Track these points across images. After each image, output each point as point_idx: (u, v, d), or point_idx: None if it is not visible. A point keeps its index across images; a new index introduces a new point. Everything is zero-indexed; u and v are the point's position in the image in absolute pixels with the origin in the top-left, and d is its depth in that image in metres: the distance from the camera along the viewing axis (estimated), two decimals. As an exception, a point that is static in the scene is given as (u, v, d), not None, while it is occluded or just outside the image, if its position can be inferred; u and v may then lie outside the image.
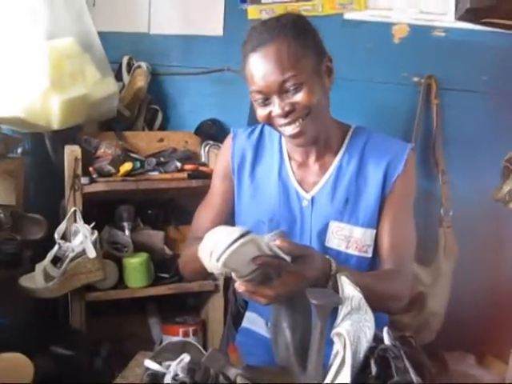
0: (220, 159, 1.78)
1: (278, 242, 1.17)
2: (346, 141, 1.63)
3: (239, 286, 1.17)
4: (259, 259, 1.13)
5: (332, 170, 1.61)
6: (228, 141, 1.75)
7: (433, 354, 2.27)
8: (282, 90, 1.42)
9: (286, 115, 1.44)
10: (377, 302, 1.18)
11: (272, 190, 1.64)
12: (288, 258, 1.17)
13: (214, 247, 1.11)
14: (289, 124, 1.45)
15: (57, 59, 2.00)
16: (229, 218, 1.73)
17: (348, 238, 1.56)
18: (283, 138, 1.67)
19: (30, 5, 2.00)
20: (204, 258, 1.15)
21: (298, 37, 1.44)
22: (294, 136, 1.48)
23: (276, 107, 1.44)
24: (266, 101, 1.45)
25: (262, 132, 1.72)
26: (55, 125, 2.02)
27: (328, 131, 1.59)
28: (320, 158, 1.62)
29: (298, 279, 1.19)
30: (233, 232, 1.12)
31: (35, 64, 1.97)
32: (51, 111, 1.98)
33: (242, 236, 1.11)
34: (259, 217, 1.63)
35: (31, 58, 1.98)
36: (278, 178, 1.64)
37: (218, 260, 1.11)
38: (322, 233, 1.58)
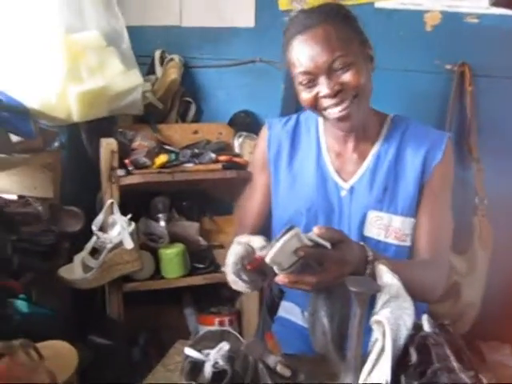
0: (256, 151, 1.79)
1: (316, 230, 1.18)
2: (384, 129, 1.63)
3: (282, 278, 1.19)
4: (301, 251, 1.15)
5: (370, 158, 1.60)
6: (263, 132, 1.75)
7: (468, 344, 2.26)
8: (330, 70, 1.42)
9: (334, 95, 1.43)
10: (413, 291, 1.17)
11: (310, 180, 1.64)
12: (328, 245, 1.18)
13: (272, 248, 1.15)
14: (336, 105, 1.45)
15: (75, 52, 2.02)
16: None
17: (387, 227, 1.56)
18: (320, 127, 1.67)
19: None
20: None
21: (343, 21, 1.45)
22: (340, 119, 1.47)
23: (324, 87, 1.43)
24: (312, 82, 1.45)
25: (297, 121, 1.72)
26: (75, 117, 2.03)
27: (367, 120, 1.59)
28: (358, 147, 1.62)
29: (340, 264, 1.20)
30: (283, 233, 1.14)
31: (52, 57, 1.99)
32: (68, 104, 2.00)
33: (286, 232, 1.13)
34: (297, 207, 1.63)
35: (49, 51, 2.00)
36: (315, 167, 1.64)
37: (266, 256, 1.14)
38: (361, 222, 1.58)
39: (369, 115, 1.60)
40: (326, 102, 1.46)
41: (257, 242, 1.34)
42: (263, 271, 1.31)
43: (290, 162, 1.69)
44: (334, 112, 1.46)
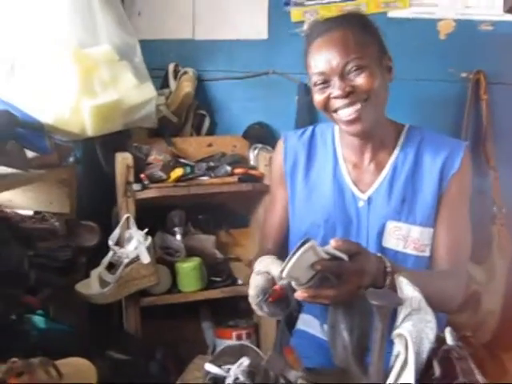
0: (273, 165, 1.80)
1: (333, 243, 1.17)
2: (401, 139, 1.62)
3: (301, 294, 1.18)
4: (318, 264, 1.14)
5: (388, 169, 1.60)
6: (279, 145, 1.75)
7: (489, 354, 2.23)
8: (343, 72, 1.44)
9: (345, 96, 1.44)
10: (432, 302, 1.16)
11: (327, 192, 1.63)
12: (345, 257, 1.17)
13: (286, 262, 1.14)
14: (347, 106, 1.46)
15: (88, 66, 2.03)
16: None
17: (405, 237, 1.55)
18: (337, 139, 1.68)
19: (62, 15, 2.03)
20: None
21: (363, 29, 1.49)
22: (350, 121, 1.48)
23: (336, 88, 1.45)
24: (325, 83, 1.47)
25: (313, 133, 1.73)
26: (89, 131, 2.03)
27: (383, 129, 1.60)
28: (375, 157, 1.61)
29: (358, 276, 1.19)
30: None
31: (65, 71, 2.00)
32: (82, 118, 2.01)
33: (301, 245, 1.12)
34: (314, 219, 1.63)
35: (62, 66, 2.01)
36: (332, 179, 1.64)
37: (282, 271, 1.13)
38: (379, 233, 1.57)
39: (385, 125, 1.61)
40: (337, 103, 1.48)
41: (275, 269, 1.34)
42: (286, 298, 1.30)
43: (306, 173, 1.69)
44: (345, 114, 1.47)
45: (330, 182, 1.64)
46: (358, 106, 1.46)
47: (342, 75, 1.45)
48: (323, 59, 1.46)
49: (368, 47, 1.47)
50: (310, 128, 1.75)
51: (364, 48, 1.45)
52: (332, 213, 1.61)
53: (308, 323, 1.79)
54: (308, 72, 1.54)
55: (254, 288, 1.33)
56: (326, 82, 1.48)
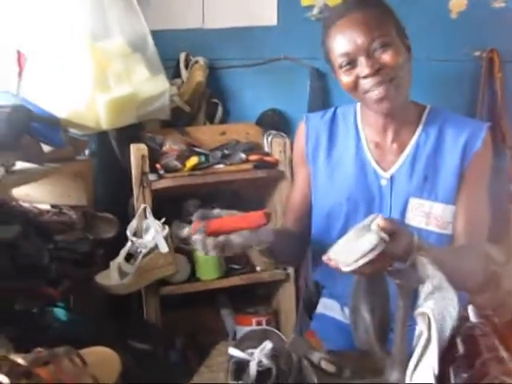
0: (295, 146, 1.79)
1: (381, 223, 1.16)
2: (423, 119, 1.62)
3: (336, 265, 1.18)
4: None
5: (410, 148, 1.60)
6: (301, 126, 1.75)
7: (511, 334, 2.22)
8: (370, 50, 1.43)
9: (374, 74, 1.44)
10: (454, 279, 1.16)
11: (349, 170, 1.64)
12: (387, 237, 1.16)
13: (351, 254, 1.13)
14: (377, 85, 1.45)
15: (101, 60, 2.04)
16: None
17: (428, 214, 1.55)
18: (359, 119, 1.68)
19: (75, 8, 2.04)
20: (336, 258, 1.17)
21: (381, 9, 1.49)
22: (380, 100, 1.47)
23: (364, 67, 1.44)
24: (351, 64, 1.46)
25: (335, 114, 1.73)
26: (104, 125, 2.05)
27: (406, 109, 1.59)
28: (397, 137, 1.61)
29: (392, 257, 1.19)
30: (368, 242, 1.13)
31: (79, 66, 2.01)
32: (97, 111, 2.02)
33: (375, 247, 1.11)
34: (337, 197, 1.63)
35: (76, 60, 2.02)
36: (354, 158, 1.64)
37: (349, 265, 1.12)
38: (402, 211, 1.57)
39: (408, 105, 1.61)
40: (366, 84, 1.46)
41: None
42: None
43: (328, 153, 1.69)
44: (375, 93, 1.46)
45: (352, 161, 1.64)
46: (386, 85, 1.45)
47: (368, 53, 1.44)
48: (347, 40, 1.45)
49: (389, 26, 1.46)
50: (332, 109, 1.75)
51: (386, 26, 1.45)
52: (354, 191, 1.61)
53: (328, 307, 1.79)
54: (329, 56, 1.53)
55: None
56: (351, 63, 1.46)
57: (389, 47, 1.44)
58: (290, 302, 2.33)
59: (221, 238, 1.27)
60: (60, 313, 1.79)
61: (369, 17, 1.45)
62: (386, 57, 1.43)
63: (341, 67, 1.48)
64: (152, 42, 2.18)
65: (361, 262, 1.11)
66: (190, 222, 2.21)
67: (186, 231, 1.31)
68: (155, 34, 2.23)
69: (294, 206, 1.77)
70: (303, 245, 1.76)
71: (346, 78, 1.49)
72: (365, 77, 1.45)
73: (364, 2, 1.50)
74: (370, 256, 1.10)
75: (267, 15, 2.48)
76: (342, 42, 1.46)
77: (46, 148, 1.91)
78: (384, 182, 1.60)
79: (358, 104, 1.68)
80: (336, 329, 1.69)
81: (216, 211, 1.35)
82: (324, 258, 1.20)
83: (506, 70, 2.42)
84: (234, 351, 1.14)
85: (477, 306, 2.14)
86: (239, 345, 1.20)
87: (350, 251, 1.15)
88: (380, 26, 1.44)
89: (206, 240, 1.27)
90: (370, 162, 1.62)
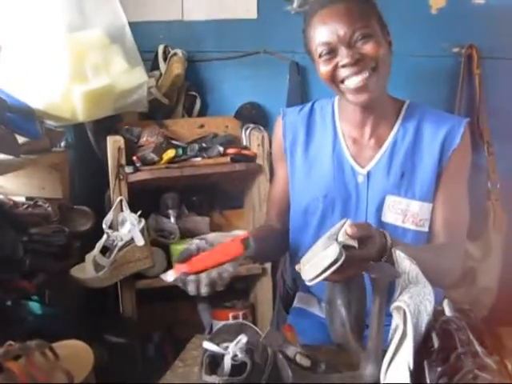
0: (273, 142, 1.79)
1: (348, 230, 1.15)
2: (401, 115, 1.62)
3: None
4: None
5: (387, 144, 1.59)
6: (278, 121, 1.75)
7: (487, 329, 2.23)
8: (351, 41, 1.44)
9: (354, 63, 1.43)
10: (430, 276, 1.15)
11: (326, 167, 1.63)
12: (356, 244, 1.15)
13: (312, 268, 1.13)
14: (355, 74, 1.45)
15: (78, 51, 2.01)
16: None
17: (405, 212, 1.55)
18: (336, 114, 1.67)
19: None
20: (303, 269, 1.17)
21: (366, 2, 1.49)
22: (358, 89, 1.46)
23: (344, 56, 1.44)
24: (331, 54, 1.46)
25: (312, 108, 1.72)
26: (80, 117, 2.03)
27: (384, 104, 1.59)
28: (375, 132, 1.61)
29: (363, 261, 1.18)
30: (328, 256, 1.11)
31: (56, 57, 1.99)
32: (73, 103, 2.00)
33: (335, 261, 1.10)
34: (314, 194, 1.62)
35: (52, 51, 1.99)
36: (332, 154, 1.63)
37: (311, 280, 1.12)
38: (379, 208, 1.56)
39: (386, 100, 1.60)
40: (344, 72, 1.46)
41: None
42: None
43: (305, 149, 1.68)
44: (353, 82, 1.46)
45: (329, 157, 1.63)
46: (366, 74, 1.44)
47: (350, 44, 1.44)
48: (329, 30, 1.45)
49: (371, 18, 1.47)
50: (309, 103, 1.74)
51: (368, 18, 1.46)
52: (331, 187, 1.61)
53: (306, 301, 1.79)
54: (309, 45, 1.53)
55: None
56: (331, 53, 1.46)
57: (370, 38, 1.44)
58: (267, 296, 2.32)
59: (213, 273, 1.32)
60: (34, 306, 1.77)
61: (351, 8, 1.45)
62: (367, 47, 1.43)
63: (320, 56, 1.48)
64: (130, 34, 2.16)
65: (321, 278, 1.10)
66: (167, 216, 2.23)
67: (169, 275, 1.33)
68: (134, 26, 2.21)
69: (275, 202, 1.77)
70: (287, 240, 1.74)
71: (324, 68, 1.49)
72: (344, 65, 1.45)
73: None
74: (330, 271, 1.09)
75: (247, 8, 2.46)
76: (324, 31, 1.46)
77: (21, 139, 1.88)
78: (361, 179, 1.59)
79: (337, 98, 1.67)
80: (313, 323, 1.69)
81: (193, 246, 1.36)
82: (296, 267, 1.20)
83: (485, 67, 2.44)
84: (208, 345, 1.12)
85: (453, 302, 2.16)
86: (214, 338, 1.19)
87: (313, 264, 1.14)
88: (362, 18, 1.44)
89: (200, 279, 1.31)
90: (347, 159, 1.62)
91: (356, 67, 1.44)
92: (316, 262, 1.13)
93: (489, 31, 2.43)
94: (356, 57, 1.43)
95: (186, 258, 1.34)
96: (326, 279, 1.15)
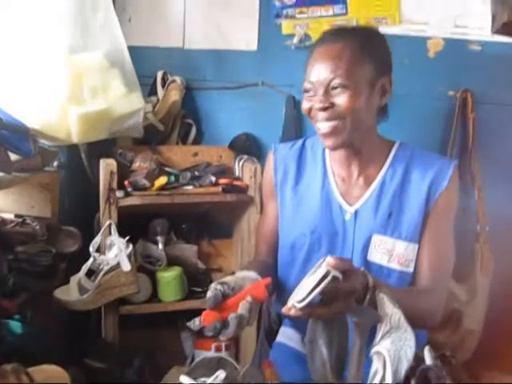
0: (264, 177, 1.82)
1: (331, 261, 1.15)
2: (391, 156, 1.64)
3: (294, 312, 1.16)
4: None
5: (376, 184, 1.61)
6: (269, 157, 1.77)
7: (469, 373, 2.23)
8: (328, 87, 1.47)
9: (324, 109, 1.48)
10: (412, 318, 1.16)
11: (314, 203, 1.64)
12: (340, 275, 1.15)
13: (301, 290, 1.15)
14: (325, 120, 1.49)
15: (77, 73, 2.01)
16: None
17: (390, 251, 1.56)
18: (326, 152, 1.69)
19: (53, 19, 2.02)
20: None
21: (365, 46, 1.50)
22: (325, 135, 1.51)
23: (317, 101, 1.49)
24: (311, 92, 1.51)
25: (303, 145, 1.75)
26: (75, 138, 2.02)
27: (372, 146, 1.61)
28: (363, 172, 1.63)
29: (350, 295, 1.18)
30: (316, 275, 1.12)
31: (54, 77, 1.99)
32: (69, 124, 1.99)
33: (324, 276, 1.10)
34: (301, 229, 1.64)
35: (51, 71, 2.00)
36: (320, 190, 1.65)
37: (301, 301, 1.12)
38: (365, 246, 1.57)
39: (374, 142, 1.62)
40: (317, 115, 1.51)
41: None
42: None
43: (295, 185, 1.70)
44: (322, 126, 1.50)
45: (318, 194, 1.65)
46: (334, 123, 1.48)
47: (327, 89, 1.48)
48: (315, 69, 1.50)
49: (361, 67, 1.48)
50: (301, 140, 1.77)
51: (356, 68, 1.47)
52: (319, 224, 1.62)
53: (289, 336, 1.78)
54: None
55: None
56: (311, 91, 1.51)
57: (346, 89, 1.46)
58: (251, 328, 2.30)
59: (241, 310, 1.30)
60: (15, 325, 1.75)
61: (343, 53, 1.47)
62: (340, 98, 1.47)
63: (305, 91, 1.54)
64: (129, 59, 2.16)
65: (312, 296, 1.10)
66: (155, 242, 2.22)
67: (196, 324, 1.34)
68: (135, 50, 2.23)
69: (266, 238, 1.78)
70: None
71: (305, 104, 1.54)
72: (315, 109, 1.50)
73: (350, 34, 1.53)
74: (320, 287, 1.09)
75: (248, 40, 2.49)
76: (312, 70, 1.51)
77: (13, 157, 1.88)
78: (348, 217, 1.61)
79: None
80: (294, 359, 1.68)
81: (218, 292, 1.35)
82: (283, 310, 1.18)
83: (479, 112, 2.46)
84: (185, 379, 1.12)
85: (436, 345, 2.15)
86: (192, 372, 1.18)
87: (302, 287, 1.15)
88: (348, 66, 1.46)
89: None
90: (336, 196, 1.63)
91: (325, 113, 1.48)
92: (305, 285, 1.14)
93: (484, 77, 2.46)
94: (326, 105, 1.47)
95: (215, 305, 1.33)
96: (311, 316, 1.15)
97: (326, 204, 1.63)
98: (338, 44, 1.49)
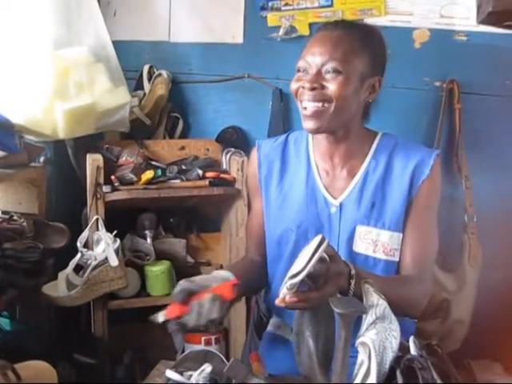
0: (248, 175, 1.84)
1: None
2: (373, 147, 1.65)
3: (290, 299, 1.16)
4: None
5: (359, 175, 1.62)
6: (253, 154, 1.78)
7: (458, 362, 2.24)
8: (321, 68, 1.50)
9: (312, 89, 1.49)
10: (396, 307, 1.17)
11: (299, 198, 1.65)
12: (327, 257, 1.16)
13: (298, 263, 1.14)
14: (310, 100, 1.50)
15: (62, 68, 2.01)
16: None
17: (375, 241, 1.57)
18: (310, 146, 1.70)
19: (38, 14, 2.01)
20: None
21: (366, 40, 1.55)
22: (308, 116, 1.52)
23: (307, 79, 1.50)
24: (303, 72, 1.53)
25: (286, 141, 1.75)
26: (61, 133, 2.02)
27: (354, 137, 1.62)
28: (346, 164, 1.64)
29: (338, 277, 1.20)
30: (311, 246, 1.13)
31: (39, 72, 1.99)
32: (55, 120, 1.99)
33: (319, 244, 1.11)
34: (287, 224, 1.65)
35: (36, 67, 1.99)
36: (305, 185, 1.66)
37: (298, 274, 1.11)
38: (350, 238, 1.59)
39: (357, 134, 1.63)
40: (304, 95, 1.52)
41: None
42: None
43: (280, 180, 1.70)
44: (308, 107, 1.51)
45: (303, 189, 1.66)
46: (319, 104, 1.49)
47: (319, 71, 1.49)
48: (311, 50, 1.52)
49: (357, 58, 1.51)
50: (284, 136, 1.78)
51: (352, 57, 1.50)
52: (304, 218, 1.63)
53: (278, 326, 1.79)
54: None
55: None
56: (303, 71, 1.53)
57: (339, 74, 1.48)
58: (241, 321, 2.31)
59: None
60: (3, 322, 1.75)
61: (343, 40, 1.51)
62: (331, 82, 1.49)
63: (297, 71, 1.55)
64: (114, 53, 2.16)
65: (309, 266, 1.10)
66: (143, 236, 2.21)
67: (160, 317, 1.37)
68: (120, 45, 2.24)
69: (253, 235, 1.81)
70: (264, 276, 1.77)
71: (294, 84, 1.56)
72: (303, 87, 1.51)
73: (352, 27, 1.57)
74: (316, 256, 1.10)
75: (233, 33, 2.47)
76: (308, 50, 1.53)
77: (-1, 153, 1.88)
78: (333, 210, 1.62)
79: None
80: (284, 348, 1.68)
81: (184, 288, 1.39)
82: (276, 302, 1.19)
83: (465, 102, 2.46)
84: (170, 374, 1.12)
85: (425, 334, 2.16)
86: (178, 366, 1.19)
87: (298, 260, 1.15)
88: (345, 53, 1.49)
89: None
90: (321, 190, 1.64)
91: (312, 94, 1.49)
92: (300, 259, 1.14)
93: (470, 67, 2.46)
94: (315, 85, 1.48)
95: (181, 299, 1.37)
96: (304, 301, 1.15)
97: (311, 198, 1.64)
98: (340, 31, 1.53)
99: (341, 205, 1.61)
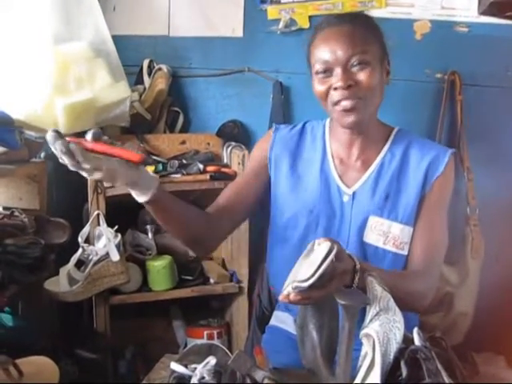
0: (257, 146, 1.81)
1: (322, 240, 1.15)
2: (390, 140, 1.65)
3: (294, 297, 1.14)
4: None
5: (374, 166, 1.62)
6: (268, 134, 1.77)
7: (462, 355, 2.23)
8: (347, 64, 1.48)
9: (346, 88, 1.47)
10: (401, 301, 1.16)
11: (313, 184, 1.65)
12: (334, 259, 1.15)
13: (307, 270, 1.11)
14: (346, 99, 1.48)
15: (62, 63, 2.00)
16: (246, 199, 1.71)
17: (386, 233, 1.57)
18: (327, 134, 1.70)
19: (38, 9, 2.01)
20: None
21: (371, 27, 1.55)
22: (346, 112, 1.50)
23: (338, 79, 1.48)
24: (327, 73, 1.50)
25: (303, 128, 1.75)
26: (62, 129, 1.98)
27: (373, 129, 1.63)
28: (362, 154, 1.64)
29: (343, 275, 1.19)
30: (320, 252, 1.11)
31: (40, 68, 1.98)
32: (55, 115, 1.99)
33: (329, 251, 1.09)
34: (298, 209, 1.64)
35: (36, 62, 1.99)
36: (319, 172, 1.65)
37: (308, 279, 1.10)
38: (361, 228, 1.59)
39: (376, 125, 1.64)
40: (336, 96, 1.49)
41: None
42: None
43: (293, 164, 1.69)
44: (343, 104, 1.49)
45: (316, 175, 1.65)
46: (355, 100, 1.48)
47: (346, 67, 1.47)
48: (329, 49, 1.49)
49: (373, 46, 1.51)
50: (301, 123, 1.77)
51: (369, 46, 1.50)
52: (317, 204, 1.62)
53: (281, 319, 1.80)
54: (309, 59, 1.57)
55: None
56: (327, 72, 1.50)
57: (366, 66, 1.48)
58: (243, 315, 2.31)
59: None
60: (6, 318, 1.75)
61: (355, 32, 1.49)
62: (362, 75, 1.47)
63: (317, 73, 1.52)
64: (114, 48, 2.15)
65: (319, 272, 1.08)
66: (144, 231, 2.21)
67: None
68: (120, 39, 2.22)
69: (221, 198, 1.72)
70: (201, 221, 1.65)
71: (319, 86, 1.53)
72: (336, 88, 1.48)
73: (355, 18, 1.55)
74: (326, 263, 1.08)
75: (233, 27, 2.47)
76: (324, 49, 1.50)
77: (-1, 149, 1.87)
78: (346, 198, 1.62)
79: (328, 120, 1.71)
80: (288, 341, 1.68)
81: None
82: (280, 298, 1.16)
83: (467, 93, 2.45)
84: (175, 366, 1.11)
85: (428, 327, 2.15)
86: (183, 359, 1.18)
87: (306, 267, 1.13)
88: (363, 44, 1.48)
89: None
90: (334, 178, 1.64)
91: (347, 92, 1.47)
92: (309, 262, 1.12)
93: (471, 59, 2.45)
94: (349, 82, 1.46)
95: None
96: (309, 299, 1.13)
97: (324, 185, 1.64)
98: (347, 25, 1.51)
99: (354, 194, 1.61)
